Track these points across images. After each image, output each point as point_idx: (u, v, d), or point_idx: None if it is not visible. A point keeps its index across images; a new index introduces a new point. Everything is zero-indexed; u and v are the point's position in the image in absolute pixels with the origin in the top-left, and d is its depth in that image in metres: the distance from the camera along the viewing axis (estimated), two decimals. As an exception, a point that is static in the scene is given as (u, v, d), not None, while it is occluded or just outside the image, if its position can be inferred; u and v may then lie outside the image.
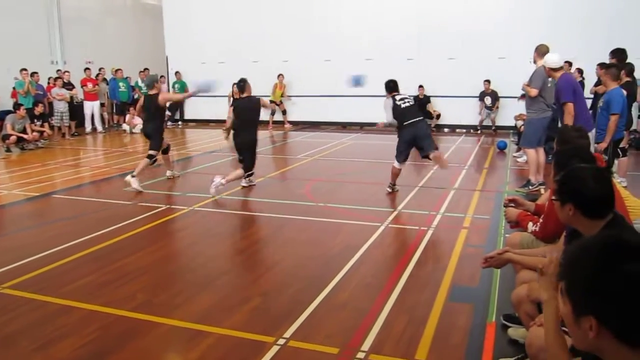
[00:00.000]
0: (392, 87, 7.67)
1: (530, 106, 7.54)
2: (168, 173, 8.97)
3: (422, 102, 14.65)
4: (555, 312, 1.84)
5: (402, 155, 7.47)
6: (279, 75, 16.93)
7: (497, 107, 14.82)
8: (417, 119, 7.42)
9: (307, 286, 4.44)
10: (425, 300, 4.04)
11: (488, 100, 14.79)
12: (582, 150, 3.33)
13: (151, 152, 8.37)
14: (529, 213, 3.78)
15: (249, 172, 8.01)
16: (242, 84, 8.05)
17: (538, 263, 2.98)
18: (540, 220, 3.50)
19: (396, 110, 7.40)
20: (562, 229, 3.23)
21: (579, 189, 2.36)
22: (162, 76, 18.96)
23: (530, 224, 3.62)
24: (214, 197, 7.43)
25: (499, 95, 14.75)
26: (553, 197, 2.51)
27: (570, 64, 11.31)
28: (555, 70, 6.74)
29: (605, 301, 1.26)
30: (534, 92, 7.28)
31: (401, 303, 4.00)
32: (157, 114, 8.40)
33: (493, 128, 15.00)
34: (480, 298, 4.09)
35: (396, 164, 7.51)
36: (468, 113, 15.38)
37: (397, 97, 7.52)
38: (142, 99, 9.08)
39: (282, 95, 17.05)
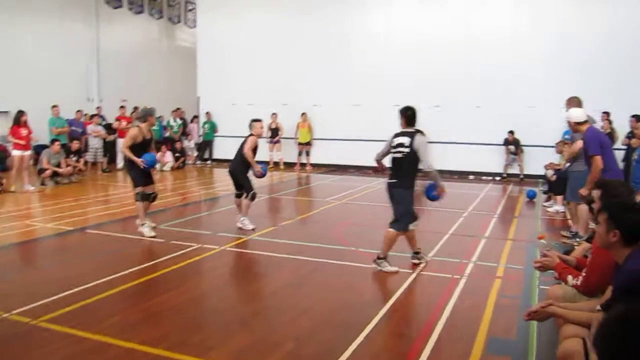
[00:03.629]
0: (411, 117, 6.12)
1: (574, 159, 7.54)
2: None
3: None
4: None
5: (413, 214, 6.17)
6: (302, 114, 17.18)
7: (522, 152, 14.86)
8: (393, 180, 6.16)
9: (339, 333, 4.40)
10: (462, 352, 3.97)
11: (512, 147, 14.93)
12: (634, 205, 3.32)
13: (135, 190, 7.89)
14: (568, 265, 3.74)
15: (252, 192, 8.05)
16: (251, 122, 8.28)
17: (583, 318, 2.98)
18: (583, 273, 3.46)
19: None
20: (605, 283, 3.19)
21: None
22: (195, 116, 19.47)
23: (570, 277, 3.56)
24: (253, 230, 7.85)
25: (526, 143, 14.79)
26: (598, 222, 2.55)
27: (608, 114, 11.29)
28: (581, 124, 6.72)
29: None
30: (576, 144, 7.31)
31: (436, 354, 3.94)
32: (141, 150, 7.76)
33: (521, 177, 14.93)
34: (519, 351, 4.01)
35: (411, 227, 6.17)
36: (493, 160, 15.39)
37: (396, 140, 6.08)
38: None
39: (309, 136, 17.26)
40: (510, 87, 14.91)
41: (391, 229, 6.10)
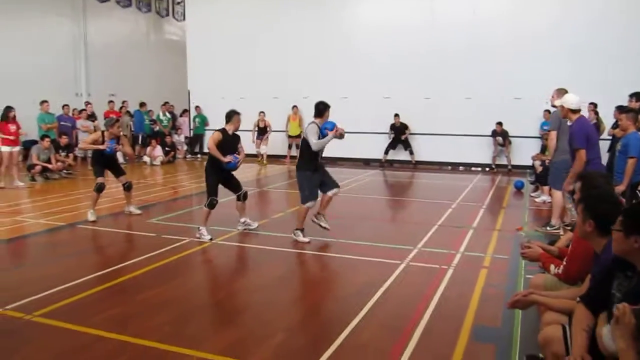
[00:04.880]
0: (321, 110, 7.18)
1: (556, 148, 7.66)
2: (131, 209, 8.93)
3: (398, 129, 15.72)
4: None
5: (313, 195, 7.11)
6: (293, 107, 17.20)
7: (510, 143, 15.03)
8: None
9: (329, 324, 4.52)
10: (448, 340, 4.07)
11: (500, 139, 15.11)
12: (611, 195, 3.42)
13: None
14: (550, 255, 3.85)
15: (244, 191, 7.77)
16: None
17: (564, 305, 3.08)
18: (564, 262, 3.57)
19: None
20: (585, 271, 3.30)
21: None
22: (185, 110, 19.45)
23: (552, 266, 3.68)
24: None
25: (514, 134, 14.95)
26: (614, 228, 2.60)
27: (594, 105, 11.43)
28: (573, 112, 6.81)
29: None
30: (551, 135, 7.44)
31: (423, 343, 4.04)
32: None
33: (509, 167, 15.10)
34: (503, 338, 4.13)
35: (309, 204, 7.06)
36: (482, 152, 15.55)
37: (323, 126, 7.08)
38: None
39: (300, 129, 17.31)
40: (498, 79, 15.03)
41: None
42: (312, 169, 7.07)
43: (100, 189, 8.48)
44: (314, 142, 6.90)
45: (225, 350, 3.90)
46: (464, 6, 15.52)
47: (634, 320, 2.19)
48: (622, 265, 2.64)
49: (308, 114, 16.90)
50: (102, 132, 8.59)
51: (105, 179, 8.63)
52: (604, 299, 2.65)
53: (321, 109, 7.18)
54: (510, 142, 15.08)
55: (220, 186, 7.44)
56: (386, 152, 16.34)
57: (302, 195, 7.07)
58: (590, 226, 2.91)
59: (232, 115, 7.39)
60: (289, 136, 17.33)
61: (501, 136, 15.06)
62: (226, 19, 18.41)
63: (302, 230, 7.12)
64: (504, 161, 15.27)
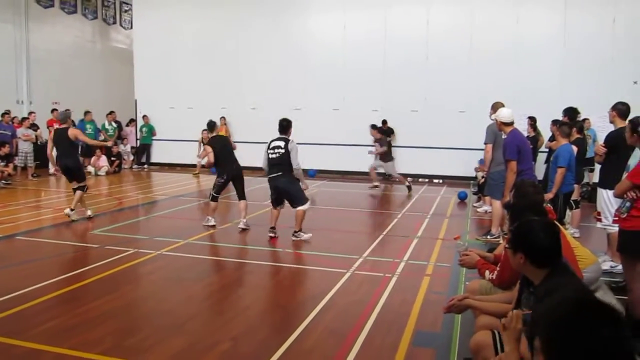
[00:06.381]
0: (285, 126, 7.95)
1: (492, 160, 8.00)
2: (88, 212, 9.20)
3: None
4: None
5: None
6: (221, 118, 16.84)
7: None
8: (277, 174, 7.75)
9: (275, 332, 4.55)
10: (390, 345, 4.18)
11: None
12: (535, 205, 3.62)
13: (81, 184, 9.07)
14: (486, 262, 4.03)
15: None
16: (212, 124, 9.41)
17: (496, 309, 3.23)
18: (497, 269, 3.74)
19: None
20: (517, 277, 3.46)
21: (530, 240, 2.60)
22: (132, 119, 19.05)
23: (487, 272, 3.85)
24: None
25: (461, 147, 15.31)
26: (506, 246, 2.73)
27: (532, 119, 11.92)
28: (506, 124, 7.14)
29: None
30: (487, 148, 7.85)
31: (366, 348, 4.13)
32: (71, 148, 9.18)
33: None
34: (442, 343, 4.27)
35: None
36: (433, 163, 15.88)
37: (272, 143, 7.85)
38: (52, 132, 9.64)
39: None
40: (445, 91, 15.42)
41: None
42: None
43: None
44: (296, 163, 7.76)
45: (169, 358, 3.87)
46: (417, 19, 15.87)
47: (520, 326, 2.34)
48: (527, 281, 2.76)
49: (254, 125, 16.73)
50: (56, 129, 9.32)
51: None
52: None
53: (285, 125, 7.92)
54: None
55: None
56: None
57: (303, 197, 7.82)
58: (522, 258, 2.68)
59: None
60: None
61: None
62: (174, 27, 18.22)
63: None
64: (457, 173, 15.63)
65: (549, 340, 1.48)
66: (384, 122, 15.71)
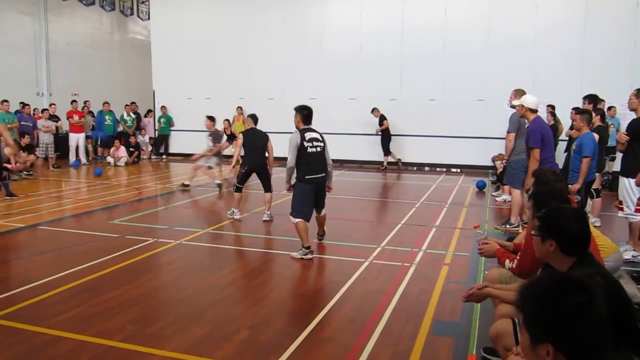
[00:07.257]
0: (306, 115, 6.36)
1: (513, 148, 7.91)
2: None
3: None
4: None
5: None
6: (238, 108, 17.01)
7: None
8: (322, 174, 6.35)
9: (293, 320, 4.58)
10: (409, 334, 4.18)
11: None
12: (559, 192, 3.56)
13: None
14: (506, 250, 3.99)
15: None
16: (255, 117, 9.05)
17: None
18: (517, 257, 3.71)
19: (301, 154, 6.21)
20: (537, 265, 3.42)
21: (562, 227, 2.53)
22: (150, 110, 19.20)
23: (507, 261, 3.81)
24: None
25: (477, 135, 15.19)
26: (533, 233, 2.66)
27: (552, 107, 11.77)
28: (532, 111, 7.04)
29: (558, 330, 1.46)
30: (509, 136, 7.75)
31: (385, 337, 4.13)
32: None
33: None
34: (462, 332, 4.25)
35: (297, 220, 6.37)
36: (456, 152, 15.77)
37: (307, 135, 6.28)
38: None
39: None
40: (464, 81, 15.27)
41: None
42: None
43: None
44: (330, 159, 6.58)
45: (189, 348, 3.91)
46: (435, 10, 15.70)
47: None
48: (549, 269, 2.70)
49: (272, 115, 16.71)
50: None
51: None
52: None
53: (312, 113, 6.56)
54: None
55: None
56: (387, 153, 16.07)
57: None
58: (552, 245, 2.58)
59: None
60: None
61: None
62: (192, 18, 18.28)
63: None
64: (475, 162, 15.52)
65: (525, 315, 1.56)
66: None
